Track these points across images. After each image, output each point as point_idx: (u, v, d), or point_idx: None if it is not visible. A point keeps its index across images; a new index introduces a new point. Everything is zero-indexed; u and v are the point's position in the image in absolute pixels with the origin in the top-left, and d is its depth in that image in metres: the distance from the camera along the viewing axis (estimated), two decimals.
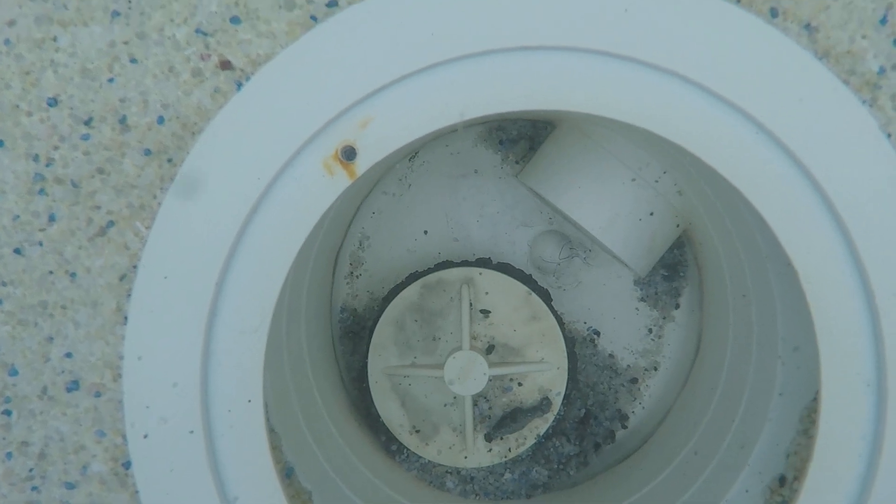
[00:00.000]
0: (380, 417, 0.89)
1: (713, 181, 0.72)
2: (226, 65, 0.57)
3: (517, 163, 0.95)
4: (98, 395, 0.60)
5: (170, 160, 0.58)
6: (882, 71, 0.56)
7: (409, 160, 0.94)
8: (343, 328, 0.96)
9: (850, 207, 0.57)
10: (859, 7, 0.56)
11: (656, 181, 0.81)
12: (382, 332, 0.89)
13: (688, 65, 0.56)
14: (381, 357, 0.89)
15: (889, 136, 0.56)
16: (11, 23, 0.56)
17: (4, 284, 0.59)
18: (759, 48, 0.56)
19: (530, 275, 0.92)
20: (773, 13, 0.56)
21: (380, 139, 0.57)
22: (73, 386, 0.60)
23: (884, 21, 0.56)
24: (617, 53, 0.56)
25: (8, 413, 0.60)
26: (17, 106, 0.57)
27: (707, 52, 0.56)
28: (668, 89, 0.57)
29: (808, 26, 0.56)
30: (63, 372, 0.60)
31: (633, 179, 0.80)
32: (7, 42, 0.56)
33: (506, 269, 0.90)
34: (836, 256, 0.58)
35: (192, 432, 0.59)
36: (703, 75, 0.56)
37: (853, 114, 0.56)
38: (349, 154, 0.57)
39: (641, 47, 0.56)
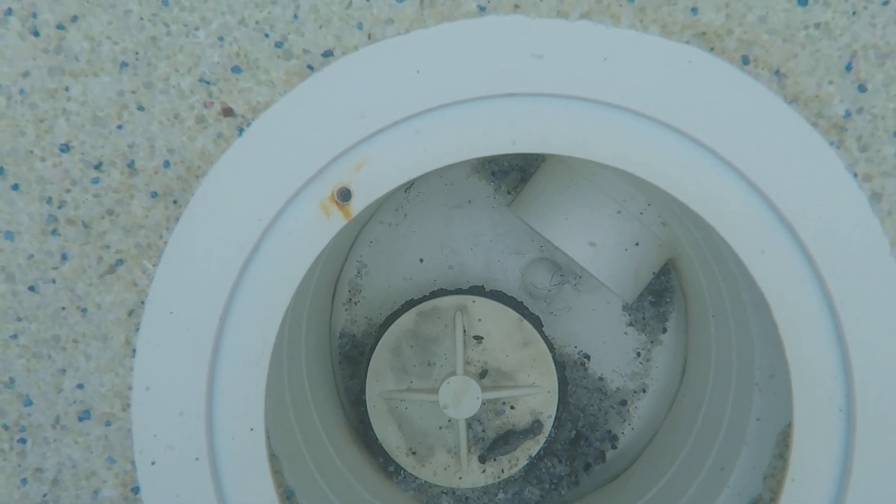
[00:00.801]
0: (377, 440, 0.92)
1: (691, 216, 0.75)
2: (228, 112, 0.60)
3: (509, 193, 0.98)
4: (108, 423, 0.63)
5: (175, 202, 0.61)
6: (848, 114, 0.59)
7: (405, 191, 0.97)
8: (342, 353, 0.99)
9: (817, 241, 0.59)
10: (826, 55, 0.59)
11: (641, 213, 0.84)
12: (380, 357, 0.92)
13: (665, 110, 0.59)
14: (379, 381, 0.92)
15: (855, 175, 0.59)
16: (26, 74, 0.59)
17: (20, 319, 0.62)
18: (732, 93, 0.59)
19: (522, 301, 0.95)
20: (745, 60, 0.59)
21: (374, 181, 0.60)
22: (85, 415, 0.63)
23: (849, 68, 0.59)
24: (597, 100, 0.59)
25: (23, 441, 0.63)
26: (32, 151, 0.60)
27: (683, 98, 0.59)
28: (647, 134, 0.60)
29: (777, 73, 0.59)
30: (75, 402, 0.63)
31: (619, 211, 0.83)
32: (22, 91, 0.60)
33: (498, 296, 0.93)
34: (805, 288, 0.60)
35: (197, 459, 0.62)
36: (680, 119, 0.59)
37: (821, 155, 0.59)
38: (344, 195, 0.60)
39: (620, 94, 0.59)
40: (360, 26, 0.59)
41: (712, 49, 0.59)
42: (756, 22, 0.59)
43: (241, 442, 0.62)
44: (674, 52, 0.59)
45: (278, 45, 0.59)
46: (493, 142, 0.60)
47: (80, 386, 0.63)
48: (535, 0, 0.59)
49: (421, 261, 0.99)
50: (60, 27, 0.59)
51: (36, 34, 0.59)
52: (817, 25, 0.59)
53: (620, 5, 0.59)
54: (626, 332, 0.99)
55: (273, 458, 0.64)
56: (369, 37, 0.59)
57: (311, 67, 0.60)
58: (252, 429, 0.62)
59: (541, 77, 0.59)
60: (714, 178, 0.60)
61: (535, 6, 0.59)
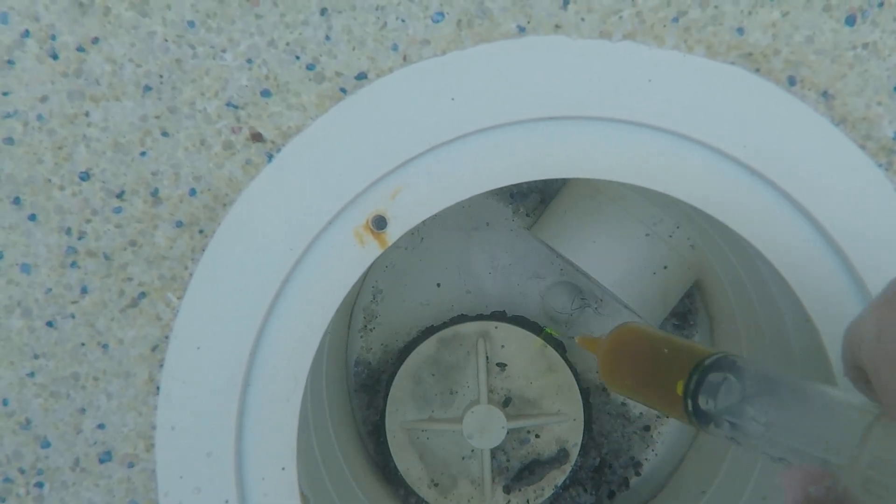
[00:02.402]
0: (398, 471, 0.90)
1: (731, 240, 0.73)
2: (257, 137, 0.57)
3: (528, 215, 0.96)
4: (131, 465, 0.60)
5: (201, 231, 0.58)
6: None
7: None
8: (358, 382, 0.97)
9: (867, 264, 0.57)
10: (874, 75, 0.57)
11: (670, 236, 0.82)
12: (399, 386, 0.89)
13: (710, 132, 0.57)
14: (399, 411, 0.89)
15: None
16: (44, 98, 0.57)
17: (37, 357, 0.59)
18: (779, 115, 0.57)
19: (545, 327, 0.93)
20: (791, 81, 0.57)
21: (410, 208, 0.58)
22: (106, 457, 0.60)
23: None
24: (643, 123, 0.57)
25: (40, 485, 0.60)
26: (50, 180, 0.58)
27: (728, 120, 0.57)
28: (693, 157, 0.58)
29: (825, 94, 0.57)
30: (96, 443, 0.60)
31: (648, 234, 0.81)
32: (39, 117, 0.57)
33: (521, 321, 0.91)
34: (854, 311, 0.58)
35: (226, 502, 0.59)
36: (725, 142, 0.57)
37: (869, 177, 0.57)
38: (380, 224, 0.58)
39: (665, 117, 0.57)
40: (395, 48, 0.57)
41: (758, 70, 0.57)
42: (803, 42, 0.57)
43: (273, 482, 0.60)
44: (719, 73, 0.57)
45: (310, 67, 0.57)
46: (535, 167, 0.58)
47: (101, 426, 0.60)
48: (577, 21, 0.56)
49: (438, 285, 0.97)
50: (81, 49, 0.56)
51: (55, 57, 0.56)
52: (865, 45, 0.57)
53: (664, 26, 0.56)
54: None
55: (301, 495, 0.61)
56: (405, 59, 0.57)
57: (343, 91, 0.57)
58: (283, 468, 0.60)
59: (583, 100, 0.57)
60: (761, 200, 0.58)
61: (576, 27, 0.57)
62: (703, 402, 0.52)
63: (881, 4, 0.56)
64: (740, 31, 0.57)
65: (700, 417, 0.53)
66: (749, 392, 0.49)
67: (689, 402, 0.54)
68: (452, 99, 0.57)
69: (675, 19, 0.56)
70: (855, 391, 0.41)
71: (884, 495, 0.32)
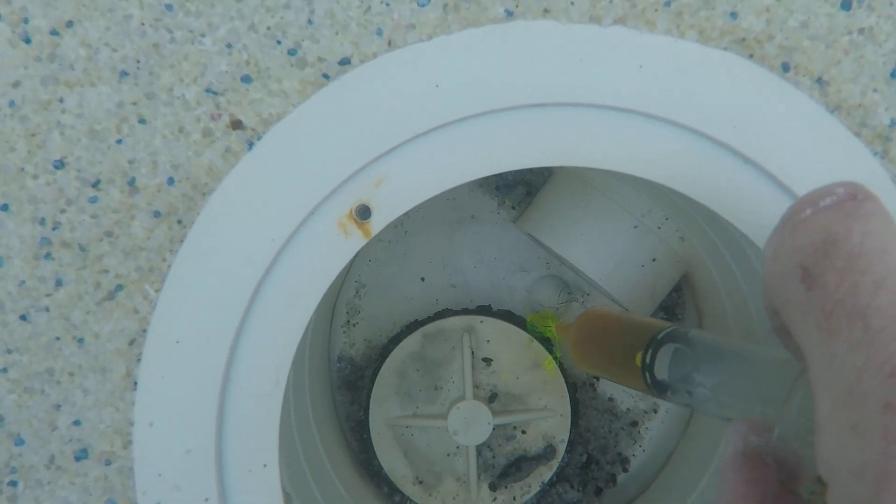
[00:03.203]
0: (382, 468, 0.88)
1: (721, 230, 0.72)
2: (237, 124, 0.56)
3: (514, 208, 0.94)
4: (108, 463, 0.58)
5: (180, 221, 0.57)
6: (893, 123, 0.56)
7: None
8: (341, 378, 0.95)
9: None
10: (870, 62, 0.56)
11: (659, 227, 0.81)
12: (383, 382, 0.88)
13: (703, 119, 0.56)
14: (383, 407, 0.88)
15: None
16: (16, 84, 0.55)
17: (10, 352, 0.57)
18: (773, 101, 0.56)
19: (532, 321, 0.92)
20: (785, 67, 0.56)
21: (395, 197, 0.57)
22: (82, 454, 0.58)
23: (894, 75, 0.56)
24: (634, 109, 0.56)
25: (14, 484, 0.58)
26: (23, 169, 0.56)
27: (722, 107, 0.56)
28: (686, 144, 0.57)
29: (819, 80, 0.56)
30: (71, 440, 0.58)
31: (636, 226, 0.80)
32: (12, 104, 0.55)
33: (507, 316, 0.89)
34: None
35: (206, 500, 0.57)
36: (719, 129, 0.56)
37: (865, 165, 0.56)
38: (364, 213, 0.56)
39: (657, 103, 0.55)
40: (379, 32, 0.55)
41: (751, 56, 0.56)
42: (798, 27, 0.56)
43: (254, 480, 0.58)
44: (711, 58, 0.56)
45: (291, 52, 0.55)
46: (523, 155, 0.56)
47: (77, 422, 0.58)
48: (567, 4, 0.55)
49: (422, 279, 0.95)
50: (54, 33, 0.55)
51: (27, 41, 0.55)
52: (861, 31, 0.56)
53: (656, 10, 0.55)
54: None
55: (284, 493, 0.60)
56: (389, 43, 0.55)
57: (326, 76, 0.56)
58: (265, 465, 0.58)
59: (572, 85, 0.55)
60: (754, 189, 0.57)
61: (565, 11, 0.55)
62: (659, 373, 0.57)
63: None
64: (734, 15, 0.55)
65: (657, 387, 0.57)
66: (697, 359, 0.53)
67: (647, 374, 0.58)
68: (438, 85, 0.55)
69: (667, 3, 0.55)
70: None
71: (810, 439, 0.33)
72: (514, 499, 0.89)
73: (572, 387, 0.90)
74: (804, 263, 0.32)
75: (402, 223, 0.94)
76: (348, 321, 0.95)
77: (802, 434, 0.36)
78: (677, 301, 0.94)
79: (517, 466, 0.88)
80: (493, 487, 0.89)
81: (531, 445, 0.89)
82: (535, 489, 0.89)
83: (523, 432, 0.89)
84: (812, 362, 0.31)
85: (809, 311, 0.32)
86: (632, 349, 0.61)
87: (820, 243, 0.32)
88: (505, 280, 0.96)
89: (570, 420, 0.88)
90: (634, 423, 0.97)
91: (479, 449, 0.88)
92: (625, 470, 0.96)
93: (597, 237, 0.81)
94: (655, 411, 0.96)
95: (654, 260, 0.82)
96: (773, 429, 0.38)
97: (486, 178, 0.94)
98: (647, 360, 0.58)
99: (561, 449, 0.89)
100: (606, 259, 0.81)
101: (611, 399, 0.96)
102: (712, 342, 0.54)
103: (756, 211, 0.57)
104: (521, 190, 0.94)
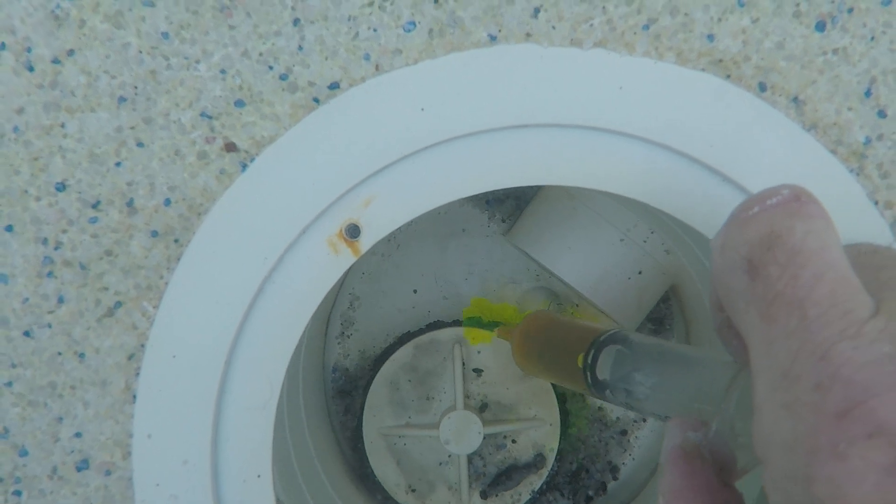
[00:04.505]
0: (376, 477, 0.90)
1: (704, 244, 0.74)
2: (230, 147, 0.58)
3: (504, 221, 0.96)
4: (108, 473, 0.60)
5: (176, 241, 0.59)
6: (868, 141, 0.58)
7: None
8: (335, 388, 0.97)
9: None
10: (844, 81, 0.58)
11: (644, 241, 0.82)
12: (377, 392, 0.90)
13: (682, 139, 0.57)
14: (376, 417, 0.90)
15: (876, 203, 0.58)
16: (20, 110, 0.57)
17: (14, 366, 0.59)
18: (750, 121, 0.58)
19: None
20: (762, 87, 0.58)
21: (383, 216, 0.59)
22: (83, 465, 0.60)
23: (868, 94, 0.58)
24: (615, 130, 0.57)
25: (18, 493, 0.60)
26: (26, 191, 0.58)
27: (700, 126, 0.57)
28: (665, 163, 0.58)
29: (795, 99, 0.58)
30: (73, 451, 0.60)
31: (622, 240, 0.82)
32: (16, 129, 0.57)
33: (497, 327, 0.91)
34: None
35: None
36: (697, 148, 0.58)
37: (841, 182, 0.58)
38: (353, 232, 0.58)
39: (637, 124, 0.57)
40: (367, 57, 0.57)
41: (728, 76, 0.58)
42: (773, 48, 0.58)
43: (249, 490, 0.60)
44: (690, 80, 0.58)
45: (283, 77, 0.57)
46: (507, 174, 0.58)
47: (78, 434, 0.60)
48: (548, 29, 0.57)
49: (415, 292, 0.97)
50: (56, 61, 0.57)
51: (31, 69, 0.57)
52: (835, 51, 0.58)
53: (635, 33, 0.57)
54: None
55: (278, 502, 0.62)
56: (377, 68, 0.57)
57: (316, 100, 0.58)
58: (259, 475, 0.60)
59: (554, 107, 0.57)
60: (732, 205, 0.58)
61: (547, 35, 0.57)
62: (600, 373, 0.59)
63: (850, 10, 0.57)
64: (710, 37, 0.57)
65: (598, 387, 0.59)
66: (637, 360, 0.56)
67: (588, 374, 0.60)
68: (424, 108, 0.57)
69: (646, 27, 0.57)
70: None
71: (746, 437, 0.35)
72: None
73: (562, 397, 0.92)
74: (749, 256, 0.34)
75: (395, 237, 0.96)
76: (343, 332, 0.97)
77: (739, 430, 0.38)
78: (665, 312, 0.96)
79: (508, 475, 0.90)
80: (484, 496, 0.91)
81: (521, 454, 0.91)
82: (526, 497, 0.91)
83: (514, 441, 0.91)
84: (752, 349, 0.33)
85: (752, 301, 0.34)
86: (574, 351, 0.63)
87: (765, 238, 0.34)
88: (495, 292, 0.97)
89: (559, 429, 0.90)
90: (624, 432, 0.98)
91: (470, 458, 0.90)
92: (615, 478, 0.98)
93: (584, 250, 0.83)
94: (645, 420, 0.98)
95: (640, 272, 0.84)
96: (711, 424, 0.39)
97: (477, 193, 0.96)
98: (589, 361, 0.60)
99: (551, 458, 0.90)
100: (593, 271, 0.83)
101: (600, 408, 0.98)
102: (653, 344, 0.56)
103: None
104: (510, 204, 0.96)
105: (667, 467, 0.40)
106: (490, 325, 0.92)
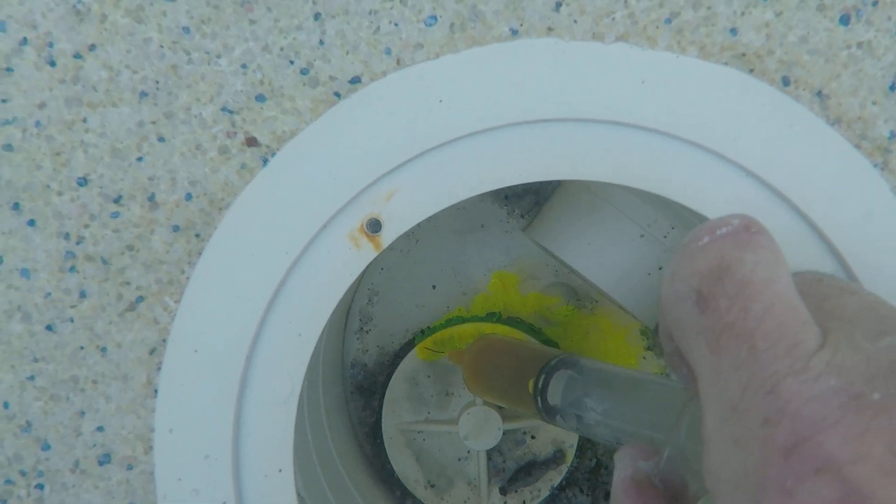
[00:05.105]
0: (395, 473, 0.90)
1: None
2: (252, 141, 0.58)
3: (523, 217, 0.96)
4: (130, 467, 0.60)
5: (198, 235, 0.59)
6: (892, 135, 0.57)
7: None
8: (354, 384, 0.97)
9: (864, 267, 0.58)
10: (869, 75, 0.57)
11: (665, 237, 0.82)
12: (396, 387, 0.90)
13: (705, 133, 0.57)
14: (395, 413, 0.90)
15: None
16: (42, 105, 0.57)
17: (36, 360, 0.60)
18: (773, 115, 0.57)
19: (540, 328, 0.93)
20: (786, 81, 0.57)
21: (405, 211, 0.58)
22: (105, 459, 0.61)
23: (893, 88, 0.57)
24: (637, 125, 0.57)
25: (41, 487, 0.61)
26: (48, 186, 0.58)
27: (723, 121, 0.57)
28: (687, 157, 0.58)
29: (819, 94, 0.57)
30: (95, 445, 0.60)
31: (642, 236, 0.82)
32: (38, 124, 0.57)
33: (515, 322, 0.91)
34: None
35: (224, 503, 0.59)
36: (720, 143, 0.57)
37: (865, 177, 0.58)
38: (374, 227, 0.58)
39: (660, 118, 0.57)
40: (388, 52, 0.57)
41: (752, 70, 0.57)
42: (797, 42, 0.57)
43: (270, 484, 0.60)
44: (712, 74, 0.57)
45: (304, 72, 0.57)
46: (529, 169, 0.58)
47: (100, 429, 0.60)
48: (570, 23, 0.57)
49: (434, 287, 0.97)
50: (78, 56, 0.57)
51: (52, 64, 0.57)
52: (860, 45, 0.57)
53: (657, 27, 0.57)
54: (644, 357, 0.97)
55: (298, 497, 0.62)
56: (398, 62, 0.57)
57: (337, 95, 0.58)
58: (280, 470, 0.60)
59: (576, 102, 0.57)
60: (755, 201, 0.59)
61: (569, 29, 0.57)
62: (551, 398, 0.59)
63: (875, 3, 0.57)
64: (733, 31, 0.57)
65: (548, 412, 0.59)
66: (588, 385, 0.56)
67: (539, 399, 0.60)
68: (445, 102, 0.57)
69: (668, 20, 0.57)
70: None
71: (697, 464, 0.36)
72: (525, 503, 0.91)
73: None
74: (699, 287, 0.35)
75: (414, 233, 0.96)
76: (361, 328, 0.97)
77: (690, 457, 0.38)
78: None
79: (527, 471, 0.90)
80: (503, 492, 0.90)
81: (541, 450, 0.90)
82: (545, 493, 0.90)
83: (533, 437, 0.90)
84: (701, 380, 0.34)
85: (701, 332, 0.34)
86: (525, 376, 0.63)
87: (714, 269, 0.35)
88: (513, 287, 0.97)
89: None
90: None
91: (489, 454, 0.90)
92: None
93: (603, 246, 0.82)
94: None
95: (660, 268, 0.83)
96: (662, 452, 0.39)
97: (497, 189, 0.96)
98: (540, 386, 0.60)
99: (570, 454, 0.90)
100: (613, 268, 0.82)
101: None
102: (603, 369, 0.56)
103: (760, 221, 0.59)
104: (529, 199, 0.96)
105: (619, 497, 0.40)
106: (510, 321, 0.92)
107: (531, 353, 0.66)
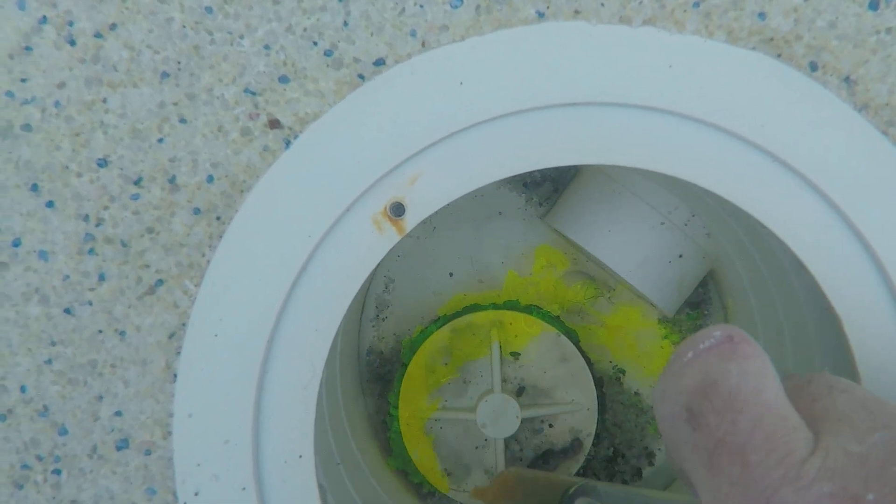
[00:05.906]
0: (411, 461, 0.90)
1: (749, 228, 0.73)
2: (274, 123, 0.57)
3: (541, 204, 0.95)
4: (148, 452, 0.60)
5: (218, 218, 0.58)
6: None
7: None
8: (370, 371, 0.97)
9: (891, 254, 0.57)
10: None
11: (685, 224, 0.81)
12: (412, 375, 0.89)
13: (732, 118, 0.56)
14: (412, 400, 0.89)
15: None
16: (61, 85, 0.57)
17: (54, 344, 0.59)
18: (800, 101, 0.57)
19: (558, 316, 0.93)
20: (813, 67, 0.57)
21: (428, 195, 0.58)
22: (123, 444, 0.60)
23: None
24: (662, 108, 0.56)
25: (58, 472, 0.60)
26: (67, 167, 0.57)
27: (750, 106, 0.56)
28: (714, 143, 0.57)
29: (847, 79, 0.57)
30: (113, 430, 0.60)
31: (662, 223, 0.81)
32: (57, 104, 0.57)
33: (534, 310, 0.90)
34: (879, 304, 0.58)
35: (244, 489, 0.59)
36: (747, 128, 0.56)
37: (892, 163, 0.57)
38: (398, 210, 0.58)
39: (686, 102, 0.56)
40: (413, 34, 0.56)
41: (779, 55, 0.57)
42: (825, 27, 0.56)
43: (290, 470, 0.59)
44: (740, 58, 0.57)
45: (327, 53, 0.57)
46: (554, 153, 0.58)
47: (119, 413, 0.60)
48: (597, 6, 0.56)
49: (451, 275, 0.97)
50: (98, 36, 0.56)
51: (72, 43, 0.56)
52: (889, 30, 0.56)
53: (685, 11, 0.56)
54: (661, 346, 0.96)
55: (318, 486, 0.61)
56: (423, 44, 0.57)
57: (361, 77, 0.57)
58: (301, 456, 0.59)
59: (603, 85, 0.56)
60: (781, 187, 0.58)
61: (596, 12, 0.56)
62: None
63: None
64: (762, 16, 0.56)
65: None
66: None
67: None
68: (471, 85, 0.56)
69: (696, 4, 0.56)
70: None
71: None
72: None
73: (599, 381, 0.91)
74: (688, 405, 0.35)
75: (431, 219, 0.95)
76: (378, 315, 0.97)
77: None
78: (703, 297, 0.95)
79: (544, 459, 0.89)
80: None
81: (558, 439, 0.90)
82: None
83: (550, 426, 0.90)
84: (702, 495, 0.35)
85: (696, 450, 0.35)
86: None
87: (700, 385, 0.35)
88: (532, 275, 0.96)
89: (596, 414, 0.89)
90: None
91: (507, 442, 0.89)
92: (650, 464, 0.97)
93: (623, 233, 0.82)
94: None
95: (680, 256, 0.83)
96: None
97: (514, 175, 0.95)
98: None
99: (588, 443, 0.89)
100: (633, 255, 0.82)
101: (637, 393, 0.97)
102: (620, 493, 0.58)
103: (783, 208, 0.58)
104: (548, 186, 0.95)
105: None
106: (527, 309, 0.91)
107: (549, 484, 0.71)
